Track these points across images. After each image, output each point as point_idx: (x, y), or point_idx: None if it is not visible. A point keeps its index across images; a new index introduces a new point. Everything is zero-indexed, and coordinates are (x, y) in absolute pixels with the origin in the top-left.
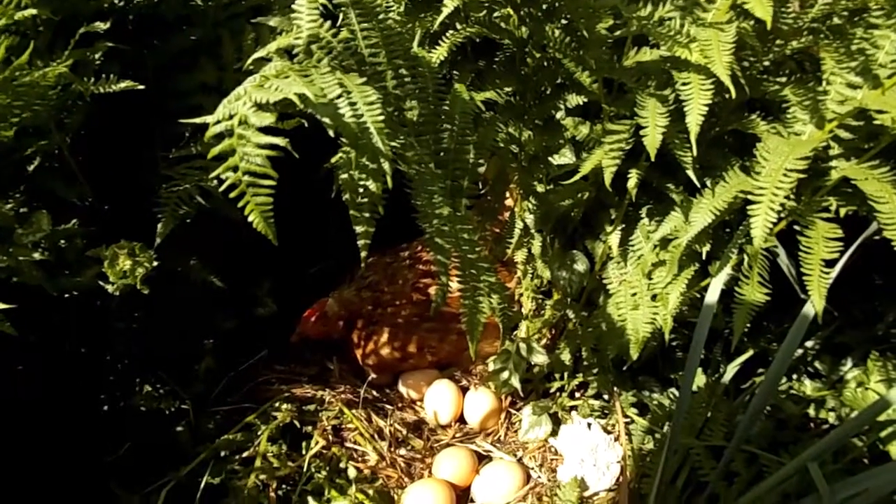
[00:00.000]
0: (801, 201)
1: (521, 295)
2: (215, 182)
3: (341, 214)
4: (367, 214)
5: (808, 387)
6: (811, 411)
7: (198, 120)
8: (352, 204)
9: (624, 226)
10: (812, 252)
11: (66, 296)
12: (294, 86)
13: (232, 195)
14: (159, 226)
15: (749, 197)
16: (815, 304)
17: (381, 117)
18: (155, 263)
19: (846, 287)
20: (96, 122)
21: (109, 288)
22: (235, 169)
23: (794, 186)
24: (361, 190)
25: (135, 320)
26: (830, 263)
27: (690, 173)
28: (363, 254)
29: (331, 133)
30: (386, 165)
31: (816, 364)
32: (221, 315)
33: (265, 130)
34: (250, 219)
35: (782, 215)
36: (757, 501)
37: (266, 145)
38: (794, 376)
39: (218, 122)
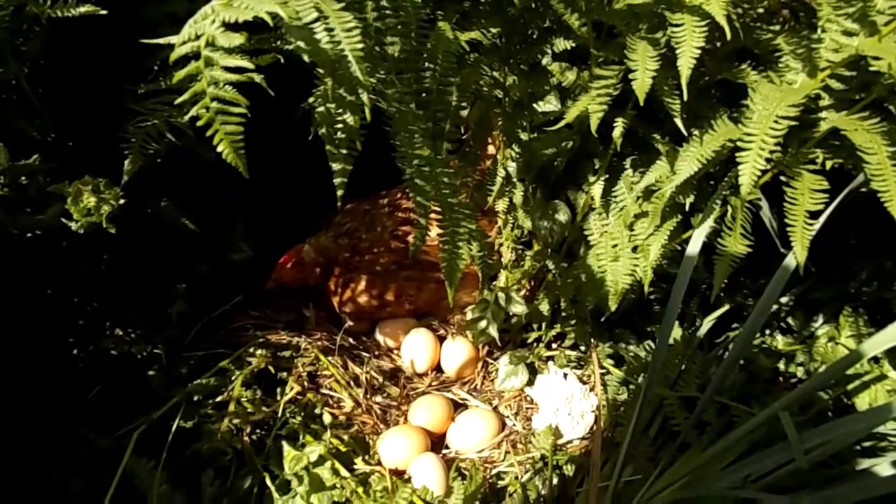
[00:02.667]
0: (788, 153)
1: (500, 245)
2: (186, 119)
3: (319, 159)
4: (344, 151)
5: (780, 342)
6: (781, 365)
7: (161, 41)
8: (328, 139)
9: (607, 176)
10: (797, 203)
11: (30, 235)
12: (266, 4)
13: (199, 124)
14: (126, 163)
15: (738, 144)
16: (797, 256)
17: (360, 45)
18: (122, 201)
19: (821, 245)
20: (57, 52)
21: (73, 226)
22: (202, 95)
23: (783, 135)
24: (339, 125)
25: (103, 262)
26: (814, 216)
27: (678, 121)
28: (339, 192)
29: (306, 58)
30: (364, 97)
31: (789, 320)
32: (194, 259)
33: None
34: (219, 149)
35: (769, 166)
36: (727, 450)
37: (235, 69)
38: (767, 331)
39: (184, 42)
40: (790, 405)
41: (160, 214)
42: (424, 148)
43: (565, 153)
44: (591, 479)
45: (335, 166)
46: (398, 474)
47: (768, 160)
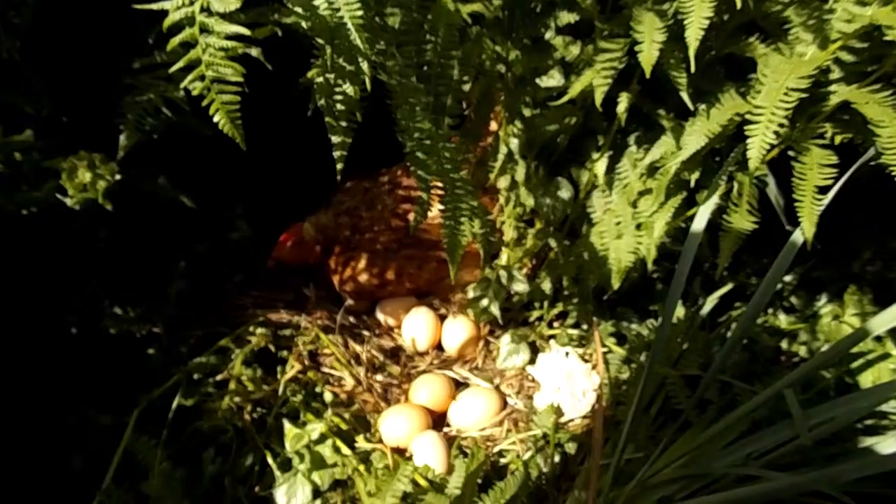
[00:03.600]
0: (797, 128)
1: (502, 223)
2: (181, 93)
3: (318, 137)
4: (343, 123)
5: (783, 320)
6: (784, 344)
7: (155, 6)
8: (327, 111)
9: (611, 153)
10: (806, 179)
11: (25, 212)
12: None
13: (195, 93)
14: (121, 138)
15: (747, 117)
16: (805, 232)
17: (360, 13)
18: (118, 177)
19: (824, 224)
20: (50, 25)
21: (69, 202)
22: (198, 63)
23: (793, 108)
24: (338, 96)
25: (100, 240)
26: (823, 191)
27: (684, 95)
28: (339, 166)
29: (304, 25)
30: (365, 66)
31: (792, 299)
32: (193, 238)
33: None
34: (216, 119)
35: (777, 141)
36: (728, 428)
37: (231, 36)
38: (770, 310)
39: (178, 8)
40: (793, 384)
41: (157, 192)
42: (425, 121)
43: (568, 130)
44: (592, 457)
45: (335, 139)
46: (399, 452)
47: (776, 134)
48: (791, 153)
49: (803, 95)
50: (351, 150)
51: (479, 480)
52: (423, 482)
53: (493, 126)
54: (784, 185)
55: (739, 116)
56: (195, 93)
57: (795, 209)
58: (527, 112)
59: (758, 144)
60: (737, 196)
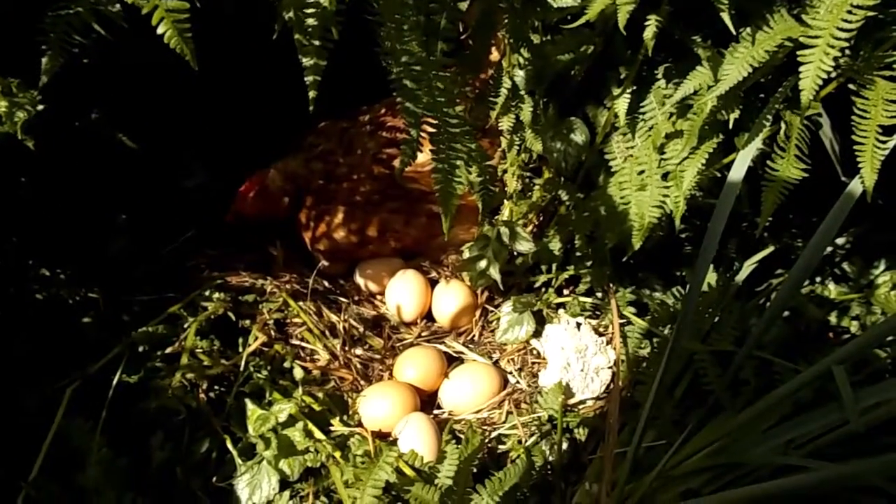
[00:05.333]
0: (861, 56)
1: (504, 171)
2: (119, 7)
3: (287, 63)
4: (316, 42)
5: (833, 290)
6: (833, 318)
7: None
8: (298, 27)
9: (635, 88)
10: (869, 116)
11: None
12: None
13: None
14: (44, 60)
15: (801, 40)
16: (865, 180)
17: None
18: (40, 108)
19: (887, 176)
20: None
21: None
22: None
23: (856, 31)
24: (310, 9)
25: (21, 186)
26: (888, 132)
27: (725, 17)
28: (311, 94)
29: None
30: None
31: (844, 265)
32: (137, 185)
33: None
34: (161, 31)
35: (834, 73)
36: (766, 411)
37: None
38: (818, 278)
39: None
40: (843, 362)
41: (90, 128)
42: (415, 44)
43: (585, 59)
44: (606, 444)
45: (306, 61)
46: (382, 437)
47: (835, 64)
48: (852, 87)
49: (870, 14)
50: (326, 81)
51: (475, 469)
52: (408, 471)
53: (495, 55)
54: (841, 127)
55: (792, 42)
56: (132, 0)
57: (854, 155)
58: (535, 38)
59: (812, 75)
60: (784, 139)
